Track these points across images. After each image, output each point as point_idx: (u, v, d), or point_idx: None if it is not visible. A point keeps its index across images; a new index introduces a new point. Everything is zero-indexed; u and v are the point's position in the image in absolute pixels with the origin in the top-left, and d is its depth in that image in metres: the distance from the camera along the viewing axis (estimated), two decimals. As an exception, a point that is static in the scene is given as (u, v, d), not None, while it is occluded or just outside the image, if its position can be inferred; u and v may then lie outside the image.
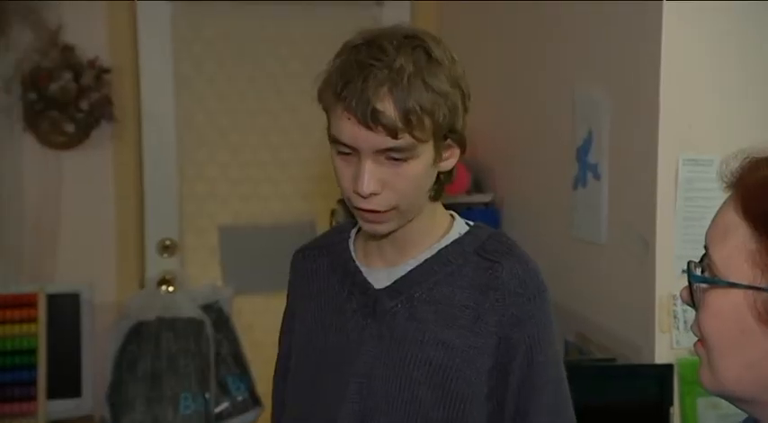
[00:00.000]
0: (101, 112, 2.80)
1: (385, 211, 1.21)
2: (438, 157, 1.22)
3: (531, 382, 1.24)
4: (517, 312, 1.23)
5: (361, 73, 1.14)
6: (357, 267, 1.32)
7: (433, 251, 1.28)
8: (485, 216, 2.61)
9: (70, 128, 2.80)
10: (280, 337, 1.44)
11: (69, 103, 2.75)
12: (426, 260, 1.28)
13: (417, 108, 1.14)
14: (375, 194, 1.19)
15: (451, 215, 1.34)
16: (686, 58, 1.89)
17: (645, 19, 1.93)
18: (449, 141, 1.23)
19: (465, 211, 2.28)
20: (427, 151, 1.19)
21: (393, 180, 1.18)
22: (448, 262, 1.27)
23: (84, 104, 2.77)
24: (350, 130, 1.16)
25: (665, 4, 1.87)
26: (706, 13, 1.89)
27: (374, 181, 1.18)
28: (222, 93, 3.06)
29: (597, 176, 2.12)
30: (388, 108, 1.14)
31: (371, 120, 1.14)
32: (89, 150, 2.86)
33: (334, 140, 1.20)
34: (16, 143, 2.78)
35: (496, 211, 2.70)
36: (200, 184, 3.06)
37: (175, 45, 3.00)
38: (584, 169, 2.18)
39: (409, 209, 1.23)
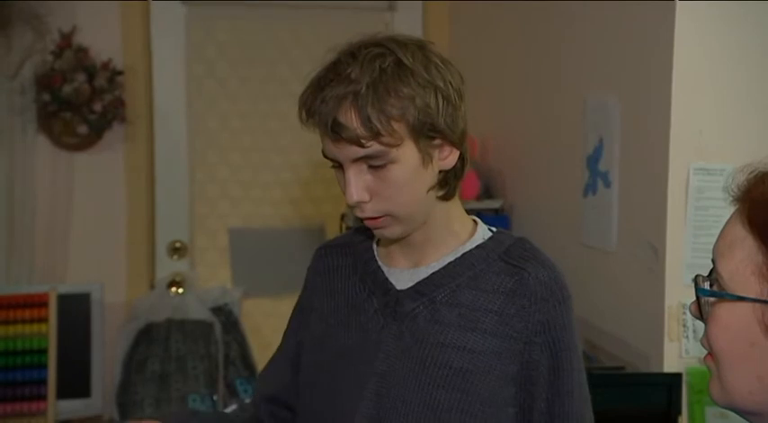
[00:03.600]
0: (113, 113, 2.81)
1: (379, 218, 1.23)
2: (427, 158, 1.21)
3: (558, 388, 1.25)
4: (543, 318, 1.24)
5: (322, 89, 1.19)
6: (379, 267, 1.33)
7: (457, 254, 1.29)
8: (495, 222, 2.59)
9: (83, 129, 2.82)
10: (287, 330, 1.45)
11: (82, 104, 2.77)
12: (450, 263, 1.28)
13: (379, 115, 1.16)
14: (364, 202, 1.21)
15: (474, 220, 1.34)
16: (698, 67, 1.89)
17: (657, 27, 1.93)
18: (437, 141, 1.22)
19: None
20: (408, 154, 1.20)
21: (378, 187, 1.21)
22: (471, 266, 1.28)
23: (97, 106, 2.79)
24: (325, 143, 1.22)
25: (678, 12, 1.87)
26: (718, 21, 1.89)
27: (359, 189, 1.20)
28: (234, 95, 3.07)
29: (608, 184, 2.12)
30: (349, 119, 1.17)
31: (333, 132, 1.18)
32: (101, 152, 2.88)
33: (324, 155, 1.24)
34: (29, 144, 2.79)
35: (506, 217, 2.70)
36: (210, 186, 3.07)
37: (188, 47, 3.01)
38: (595, 177, 2.18)
39: (408, 213, 1.24)
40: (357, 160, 1.19)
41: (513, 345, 1.24)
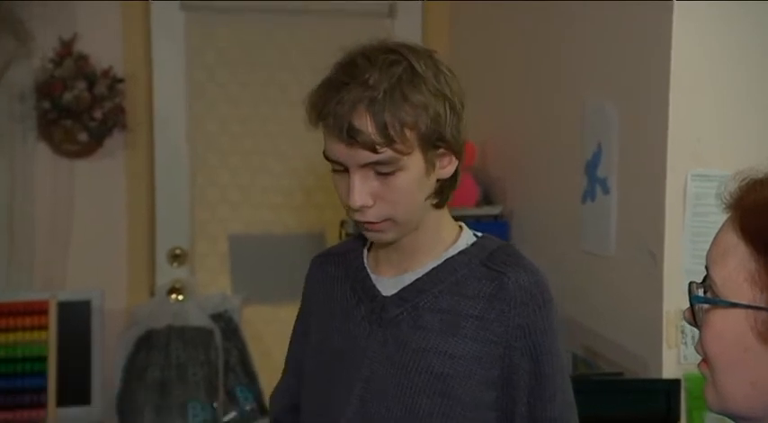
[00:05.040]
0: (114, 121, 2.82)
1: (380, 222, 1.24)
2: (430, 167, 1.23)
3: (539, 392, 1.26)
4: (522, 323, 1.25)
5: (338, 92, 1.19)
6: (367, 274, 1.34)
7: (440, 260, 1.30)
8: (494, 228, 2.61)
9: (83, 137, 2.83)
10: (292, 338, 1.47)
11: (83, 112, 2.78)
12: (433, 269, 1.30)
13: (395, 122, 1.17)
14: (367, 207, 1.22)
15: (460, 226, 1.35)
16: (696, 73, 1.89)
17: (655, 33, 1.93)
18: (441, 150, 1.24)
19: (474, 223, 2.28)
20: (415, 162, 1.21)
21: (383, 193, 1.21)
22: (454, 271, 1.29)
23: (97, 113, 2.80)
24: (334, 147, 1.21)
25: (676, 18, 1.87)
26: (717, 27, 1.89)
27: (364, 194, 1.21)
28: (234, 101, 3.08)
29: (606, 191, 2.12)
30: (364, 124, 1.17)
31: (348, 136, 1.18)
32: (102, 159, 2.88)
33: (326, 158, 1.24)
34: (30, 152, 2.80)
35: (505, 223, 2.70)
36: (211, 192, 3.07)
37: (188, 54, 3.02)
38: (593, 183, 2.18)
39: (407, 219, 1.25)
40: (366, 165, 1.20)
41: (493, 349, 1.25)
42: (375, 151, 1.17)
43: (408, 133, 1.18)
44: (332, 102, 1.19)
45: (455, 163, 1.26)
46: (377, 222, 1.24)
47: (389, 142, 1.17)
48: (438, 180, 1.26)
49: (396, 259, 1.32)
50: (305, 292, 1.46)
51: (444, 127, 1.21)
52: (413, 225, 1.27)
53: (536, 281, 1.27)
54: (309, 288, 1.45)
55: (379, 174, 1.20)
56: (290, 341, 1.48)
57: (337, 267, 1.40)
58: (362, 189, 1.21)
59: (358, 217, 1.24)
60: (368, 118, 1.17)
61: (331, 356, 1.34)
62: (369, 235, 1.28)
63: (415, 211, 1.25)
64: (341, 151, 1.20)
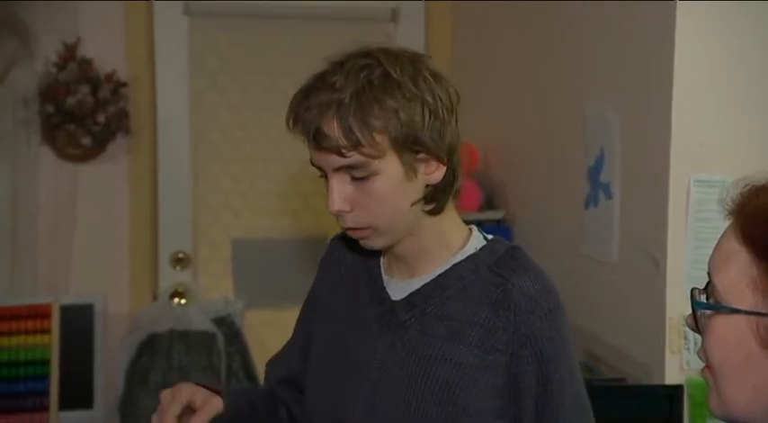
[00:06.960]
0: (117, 125, 2.83)
1: (361, 229, 1.23)
2: (411, 172, 1.21)
3: (546, 400, 1.25)
4: (527, 331, 1.23)
5: (308, 98, 1.20)
6: (380, 274, 1.34)
7: (448, 265, 1.29)
8: (496, 233, 2.59)
9: (87, 141, 2.83)
10: (298, 319, 1.47)
11: (86, 116, 2.78)
12: (440, 275, 1.28)
13: (361, 125, 1.17)
14: (345, 212, 1.22)
15: (470, 229, 1.33)
16: (698, 79, 1.89)
17: (657, 38, 1.94)
18: (422, 155, 1.22)
19: (476, 228, 2.29)
20: (391, 166, 1.19)
21: (361, 198, 1.21)
22: (461, 277, 1.27)
23: (100, 118, 2.80)
24: (310, 152, 1.23)
25: (678, 24, 1.87)
26: (719, 33, 1.89)
27: (341, 199, 1.21)
28: (236, 106, 3.08)
29: (609, 196, 2.12)
30: (331, 128, 1.18)
31: (316, 140, 1.19)
32: (105, 163, 2.89)
33: (311, 163, 1.25)
34: (33, 155, 2.81)
35: (508, 228, 2.70)
36: (213, 197, 3.08)
37: (191, 59, 3.03)
38: (596, 188, 2.18)
39: (391, 226, 1.23)
40: (339, 170, 1.20)
41: (498, 357, 1.23)
42: (342, 155, 1.17)
43: (378, 137, 1.17)
44: (302, 107, 1.20)
45: (443, 168, 1.24)
46: (357, 229, 1.23)
47: (356, 146, 1.17)
48: (427, 185, 1.24)
49: (403, 264, 1.31)
50: (317, 275, 1.46)
51: (421, 131, 1.19)
52: (401, 232, 1.25)
53: (541, 287, 1.25)
54: (321, 272, 1.45)
55: (355, 179, 1.20)
56: (298, 319, 1.47)
57: (355, 253, 1.38)
58: (339, 193, 1.21)
59: (340, 222, 1.24)
60: (335, 122, 1.17)
61: (339, 354, 1.34)
62: (360, 242, 1.27)
63: (399, 218, 1.23)
64: (315, 156, 1.22)
